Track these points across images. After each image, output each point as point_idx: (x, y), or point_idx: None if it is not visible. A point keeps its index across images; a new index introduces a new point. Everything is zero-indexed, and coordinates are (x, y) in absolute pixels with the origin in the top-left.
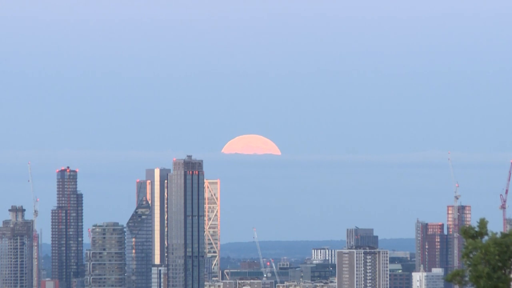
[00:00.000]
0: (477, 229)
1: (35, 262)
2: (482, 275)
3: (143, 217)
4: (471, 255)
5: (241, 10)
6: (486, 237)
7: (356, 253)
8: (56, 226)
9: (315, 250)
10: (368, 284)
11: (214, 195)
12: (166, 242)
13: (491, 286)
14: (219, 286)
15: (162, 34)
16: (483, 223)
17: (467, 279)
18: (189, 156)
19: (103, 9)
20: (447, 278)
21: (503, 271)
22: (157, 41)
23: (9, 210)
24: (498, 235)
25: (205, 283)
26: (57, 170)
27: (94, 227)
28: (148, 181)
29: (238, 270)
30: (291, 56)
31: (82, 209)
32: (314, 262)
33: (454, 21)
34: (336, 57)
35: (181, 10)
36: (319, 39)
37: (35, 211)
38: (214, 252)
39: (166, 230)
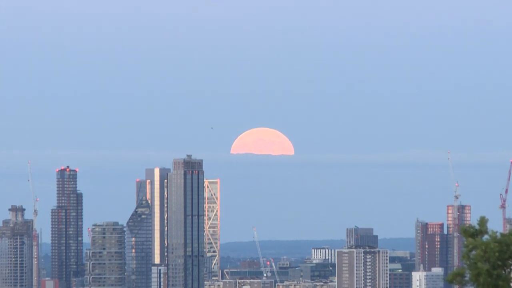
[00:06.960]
0: (477, 227)
1: (35, 262)
2: (481, 273)
3: (143, 216)
4: (471, 254)
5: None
6: (486, 236)
7: (356, 253)
8: (56, 226)
9: (315, 250)
10: (368, 284)
11: (214, 194)
12: (166, 242)
13: (491, 284)
14: (219, 285)
15: (161, 33)
16: (483, 221)
17: (467, 279)
18: (189, 156)
19: (104, 8)
20: (448, 279)
21: (503, 270)
22: (156, 39)
23: (9, 209)
24: (498, 234)
25: (205, 282)
26: (57, 170)
27: (94, 227)
28: (148, 181)
29: (238, 270)
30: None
31: (82, 209)
32: (314, 261)
33: (453, 21)
34: (347, 51)
35: (181, 7)
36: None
37: (35, 210)
38: (214, 251)
39: (166, 229)
